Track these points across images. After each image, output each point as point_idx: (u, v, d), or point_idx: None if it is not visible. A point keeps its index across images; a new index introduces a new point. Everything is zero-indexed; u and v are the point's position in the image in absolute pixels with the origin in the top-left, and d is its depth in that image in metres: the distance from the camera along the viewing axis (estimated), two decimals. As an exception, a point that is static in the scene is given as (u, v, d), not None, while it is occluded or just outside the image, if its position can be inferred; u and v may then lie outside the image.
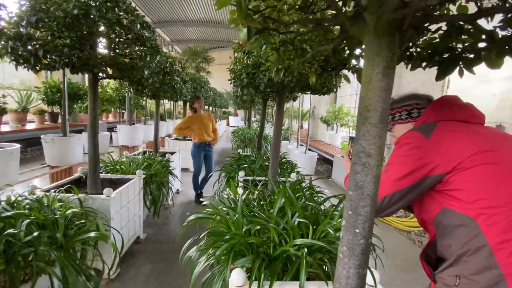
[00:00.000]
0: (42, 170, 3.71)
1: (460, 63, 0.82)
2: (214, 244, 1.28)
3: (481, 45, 0.78)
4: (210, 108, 10.89)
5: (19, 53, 1.66)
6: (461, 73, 0.87)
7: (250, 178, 2.59)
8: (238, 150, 4.04)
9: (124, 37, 1.97)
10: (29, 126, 5.57)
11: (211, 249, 1.24)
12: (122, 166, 2.78)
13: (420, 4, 0.54)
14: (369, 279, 1.04)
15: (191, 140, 5.24)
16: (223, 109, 15.86)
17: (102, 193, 2.01)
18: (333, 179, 5.39)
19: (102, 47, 1.88)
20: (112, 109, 8.36)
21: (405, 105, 1.03)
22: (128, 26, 1.94)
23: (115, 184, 2.45)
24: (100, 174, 2.29)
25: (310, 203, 1.46)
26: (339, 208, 1.53)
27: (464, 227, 0.73)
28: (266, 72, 1.74)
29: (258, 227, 1.27)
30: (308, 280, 1.17)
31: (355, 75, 1.10)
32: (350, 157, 1.23)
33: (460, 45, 0.84)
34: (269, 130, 8.73)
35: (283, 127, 9.61)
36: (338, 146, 7.15)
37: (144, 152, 3.33)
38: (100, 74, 2.02)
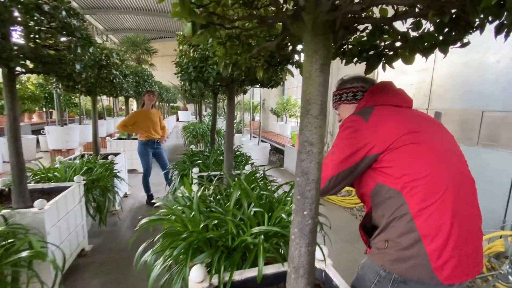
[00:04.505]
0: None
1: (383, 59, 0.96)
2: (171, 245, 1.25)
3: (398, 44, 0.92)
4: (156, 103, 10.24)
5: None
6: (384, 68, 1.01)
7: (205, 173, 2.56)
8: (191, 146, 3.92)
9: (47, 26, 1.72)
10: None
11: (168, 250, 1.20)
12: (56, 173, 2.45)
13: (347, 8, 0.60)
14: (319, 254, 1.16)
15: (137, 138, 4.89)
16: (171, 104, 15.05)
17: (32, 206, 1.75)
18: (285, 168, 5.67)
19: (19, 37, 1.61)
20: (37, 109, 7.21)
21: (352, 87, 1.12)
22: (51, 13, 1.69)
23: (48, 194, 2.16)
24: (28, 184, 1.99)
25: (265, 192, 1.53)
26: (291, 194, 1.64)
27: (393, 198, 0.87)
28: (214, 66, 1.72)
29: (216, 222, 1.28)
30: (266, 265, 1.24)
31: (298, 69, 1.17)
32: None
33: (382, 44, 0.97)
34: (221, 124, 8.66)
35: (235, 120, 9.65)
36: (288, 136, 7.51)
37: (82, 156, 2.99)
38: (19, 68, 1.73)
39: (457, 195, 0.81)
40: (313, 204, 0.72)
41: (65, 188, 2.17)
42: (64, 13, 1.77)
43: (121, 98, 9.22)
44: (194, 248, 1.26)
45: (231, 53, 1.05)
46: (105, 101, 11.28)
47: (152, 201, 2.54)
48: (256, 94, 9.89)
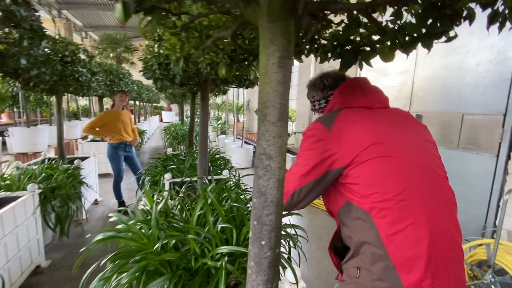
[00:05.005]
0: None
1: (359, 56, 0.83)
2: (121, 269, 1.08)
3: (376, 38, 0.80)
4: (137, 102, 9.86)
5: None
6: (360, 66, 0.89)
7: (179, 180, 2.38)
8: (167, 149, 3.71)
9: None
10: None
11: (116, 275, 1.03)
12: (7, 182, 2.19)
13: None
14: (291, 277, 1.02)
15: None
16: (154, 104, 14.60)
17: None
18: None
19: None
20: (6, 108, 6.73)
21: (310, 98, 1.04)
22: (-9, -1, 1.47)
23: (-5, 205, 1.91)
24: (-31, 195, 1.75)
25: (236, 204, 1.38)
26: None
27: (361, 220, 0.74)
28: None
29: (174, 241, 1.12)
30: (234, 289, 1.09)
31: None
32: None
33: (358, 39, 0.85)
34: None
35: (220, 121, 9.42)
36: (273, 138, 7.39)
37: (43, 161, 2.71)
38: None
39: (433, 215, 0.70)
40: (273, 232, 0.58)
41: (16, 198, 1.93)
42: (8, 0, 1.55)
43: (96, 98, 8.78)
44: (150, 272, 1.09)
45: (187, 46, 0.90)
46: (84, 101, 10.72)
47: (109, 214, 2.32)
48: (241, 94, 9.74)
